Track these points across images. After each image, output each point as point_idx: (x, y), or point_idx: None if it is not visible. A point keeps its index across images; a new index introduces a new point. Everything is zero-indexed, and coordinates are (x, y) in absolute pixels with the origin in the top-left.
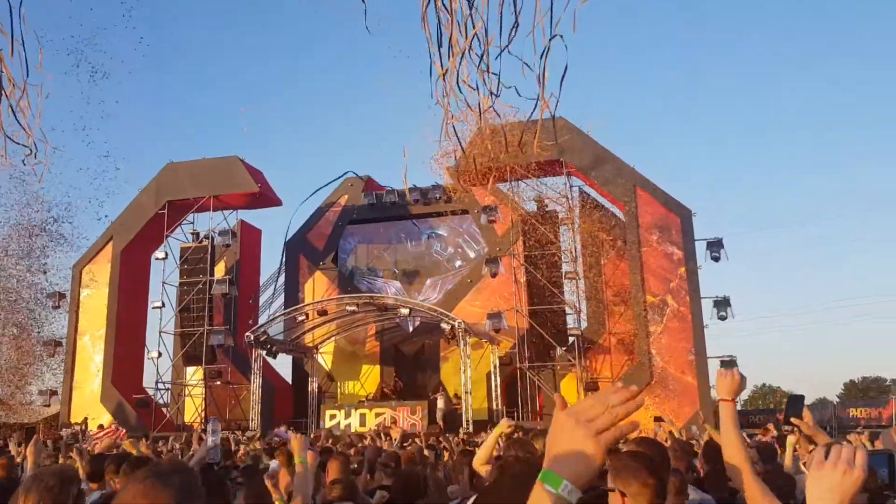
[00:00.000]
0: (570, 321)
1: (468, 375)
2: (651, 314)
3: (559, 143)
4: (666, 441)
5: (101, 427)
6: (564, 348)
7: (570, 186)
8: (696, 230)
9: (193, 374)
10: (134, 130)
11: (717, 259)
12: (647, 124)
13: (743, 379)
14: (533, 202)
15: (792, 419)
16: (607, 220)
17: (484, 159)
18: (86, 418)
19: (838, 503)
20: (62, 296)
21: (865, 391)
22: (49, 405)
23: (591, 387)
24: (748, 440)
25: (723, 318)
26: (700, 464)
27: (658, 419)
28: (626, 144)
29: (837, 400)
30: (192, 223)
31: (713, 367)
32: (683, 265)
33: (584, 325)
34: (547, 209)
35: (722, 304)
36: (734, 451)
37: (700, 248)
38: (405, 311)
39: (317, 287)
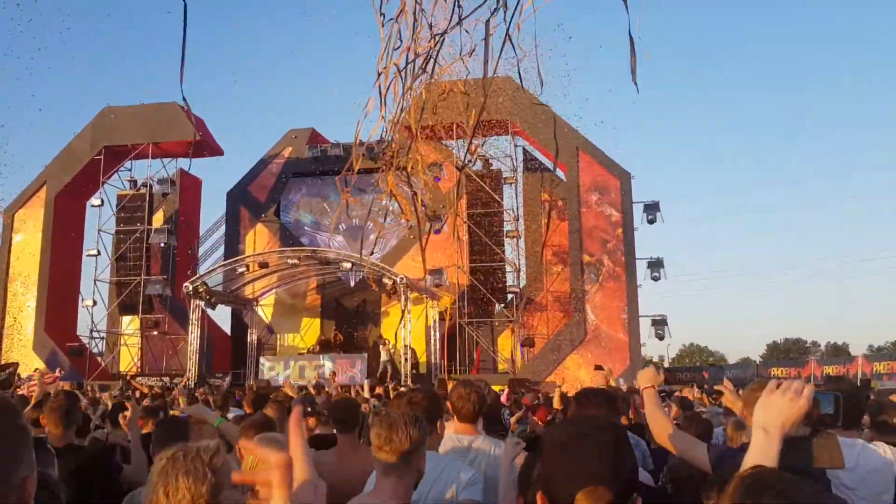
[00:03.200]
0: (510, 279)
1: (408, 330)
2: (587, 273)
3: (505, 104)
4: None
5: (37, 370)
6: (503, 305)
7: (515, 146)
8: (634, 193)
9: (129, 323)
10: (69, 74)
11: (652, 221)
12: (591, 87)
13: (661, 371)
14: (478, 160)
15: (716, 386)
16: (549, 180)
17: (429, 116)
18: (16, 363)
19: (781, 425)
20: None
21: (787, 352)
22: None
23: (528, 343)
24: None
25: (656, 279)
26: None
27: (598, 367)
28: (570, 107)
29: (760, 360)
30: (130, 170)
31: (644, 325)
32: (621, 226)
33: (522, 282)
34: (491, 168)
35: (655, 265)
36: (662, 427)
37: (637, 211)
38: (347, 265)
39: (258, 239)
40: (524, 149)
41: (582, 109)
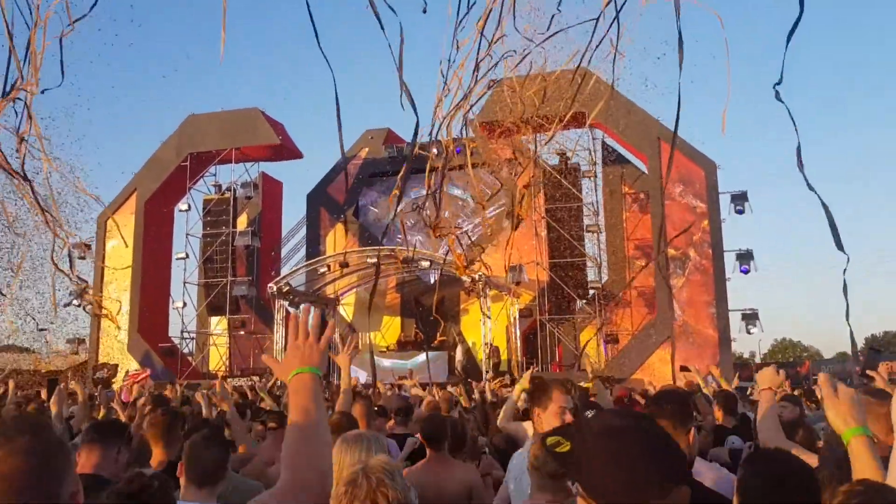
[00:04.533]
0: (591, 274)
1: (488, 327)
2: (673, 267)
3: (582, 95)
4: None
5: (127, 373)
6: (585, 301)
7: (593, 139)
8: (721, 183)
9: (217, 323)
10: (153, 83)
11: (740, 212)
12: (672, 76)
13: (781, 372)
14: (555, 155)
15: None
16: (630, 173)
17: (505, 112)
18: (116, 365)
19: None
20: (87, 246)
21: (887, 345)
22: (77, 353)
23: (611, 339)
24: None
25: (745, 272)
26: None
27: (684, 368)
28: (650, 96)
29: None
30: (215, 175)
31: (734, 320)
32: (706, 218)
33: (604, 278)
34: (569, 162)
35: (745, 257)
36: (772, 435)
37: (724, 202)
38: (425, 263)
39: (338, 239)
40: (603, 141)
41: (663, 100)
